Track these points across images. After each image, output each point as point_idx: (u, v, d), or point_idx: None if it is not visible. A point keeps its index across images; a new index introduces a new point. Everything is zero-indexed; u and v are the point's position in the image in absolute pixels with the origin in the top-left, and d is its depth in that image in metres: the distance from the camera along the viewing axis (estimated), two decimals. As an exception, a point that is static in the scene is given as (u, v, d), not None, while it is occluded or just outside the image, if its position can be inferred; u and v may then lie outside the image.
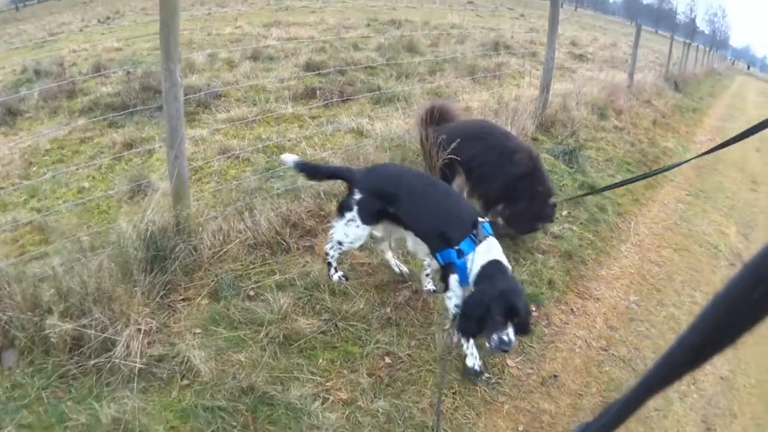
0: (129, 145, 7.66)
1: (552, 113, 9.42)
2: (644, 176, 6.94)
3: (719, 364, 4.78)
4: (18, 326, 3.42)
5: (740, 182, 11.00)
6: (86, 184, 6.76)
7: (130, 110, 8.77)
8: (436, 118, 5.87)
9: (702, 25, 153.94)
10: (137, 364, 3.37)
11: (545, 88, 9.19)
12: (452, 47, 18.21)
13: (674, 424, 3.96)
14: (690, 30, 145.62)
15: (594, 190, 6.26)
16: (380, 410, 3.32)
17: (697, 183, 9.83)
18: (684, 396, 4.28)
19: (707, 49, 58.71)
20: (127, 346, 3.42)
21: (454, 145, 5.36)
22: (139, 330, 3.55)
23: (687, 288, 5.90)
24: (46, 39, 25.68)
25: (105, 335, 3.41)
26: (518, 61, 17.04)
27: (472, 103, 9.77)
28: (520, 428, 3.52)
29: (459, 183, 5.59)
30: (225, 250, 4.50)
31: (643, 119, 12.56)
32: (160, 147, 7.42)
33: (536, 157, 5.53)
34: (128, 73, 11.16)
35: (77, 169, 7.11)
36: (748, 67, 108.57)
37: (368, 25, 23.59)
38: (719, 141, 11.55)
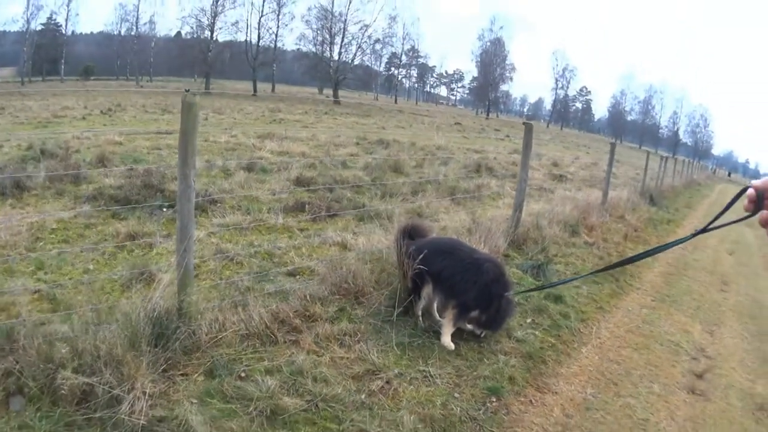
0: (132, 237, 8.33)
1: (524, 231, 10.14)
2: (634, 258, 7.58)
3: None
4: (29, 376, 3.96)
5: (709, 284, 11.53)
6: (91, 266, 7.35)
7: (133, 206, 9.57)
8: (410, 233, 6.58)
9: (685, 136, 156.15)
10: (141, 421, 3.89)
11: (518, 207, 9.96)
12: (436, 168, 19.16)
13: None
14: (673, 143, 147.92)
15: (579, 276, 6.87)
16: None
17: (663, 289, 10.36)
18: None
19: (689, 160, 60.11)
20: (132, 405, 3.96)
21: (421, 256, 6.07)
22: (144, 393, 4.11)
23: (645, 381, 6.42)
24: (50, 120, 27.06)
25: (112, 393, 3.96)
26: (498, 182, 17.95)
27: (450, 222, 10.45)
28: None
29: (427, 292, 6.29)
30: (221, 336, 5.12)
31: (615, 234, 13.22)
32: (160, 242, 8.20)
33: (501, 264, 6.38)
34: (131, 169, 12.00)
35: (82, 252, 7.74)
36: (729, 174, 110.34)
37: (357, 143, 24.78)
38: (690, 250, 12.33)
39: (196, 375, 4.71)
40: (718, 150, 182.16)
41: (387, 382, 5.16)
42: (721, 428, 5.83)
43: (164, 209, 9.97)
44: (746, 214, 1.88)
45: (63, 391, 3.96)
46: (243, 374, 4.83)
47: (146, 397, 4.13)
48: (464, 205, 13.55)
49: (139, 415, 3.96)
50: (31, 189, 10.92)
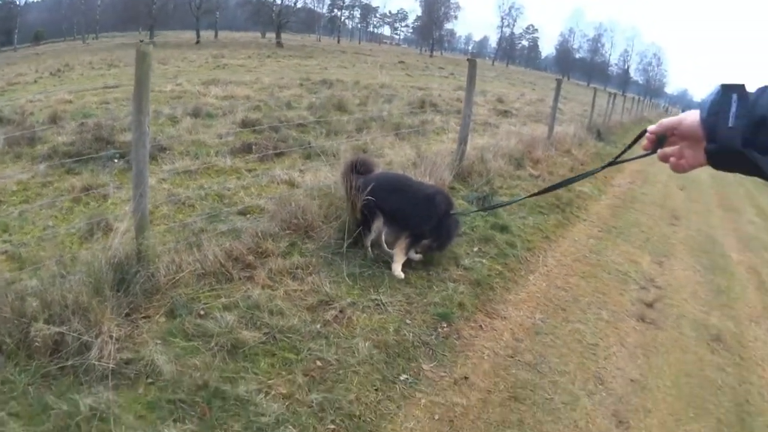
0: (86, 190, 8.37)
1: (469, 164, 10.27)
2: (575, 179, 7.69)
3: (627, 369, 5.50)
4: (5, 333, 4.04)
5: (658, 218, 11.85)
6: (50, 223, 7.40)
7: (86, 160, 9.62)
8: (357, 168, 6.63)
9: (636, 75, 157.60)
10: (110, 365, 3.99)
11: (462, 141, 10.06)
12: (380, 106, 19.31)
13: (583, 416, 4.64)
14: (623, 81, 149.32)
15: (528, 195, 6.99)
16: (314, 402, 4.02)
17: (611, 221, 10.62)
18: (591, 393, 4.97)
19: (639, 98, 60.71)
20: (101, 350, 4.06)
21: (369, 189, 6.16)
22: (111, 337, 4.21)
23: (593, 308, 6.62)
24: (5, 88, 27.09)
25: (82, 340, 4.05)
26: (443, 118, 18.11)
27: (395, 157, 10.52)
28: (436, 417, 4.23)
29: (377, 225, 6.39)
30: (178, 277, 5.20)
31: (561, 167, 13.45)
32: (114, 192, 8.27)
33: (447, 193, 6.54)
34: (81, 124, 12.01)
35: (41, 209, 7.80)
36: (667, 110, 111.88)
37: (301, 84, 24.85)
38: (639, 184, 12.57)
39: (157, 316, 4.80)
40: (672, 89, 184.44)
41: (340, 312, 5.29)
42: (673, 356, 6.03)
43: (116, 160, 10.03)
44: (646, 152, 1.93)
45: (37, 343, 4.04)
46: (202, 312, 4.92)
47: (113, 341, 4.24)
48: (409, 140, 13.63)
49: (108, 359, 4.07)
50: (-10, 155, 10.95)
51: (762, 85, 1.40)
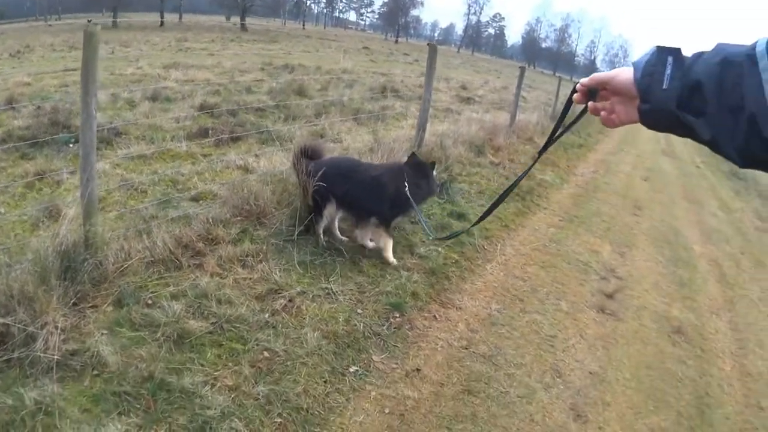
0: (40, 175, 8.21)
1: (427, 151, 10.17)
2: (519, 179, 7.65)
3: (586, 361, 5.49)
4: None
5: (621, 208, 11.86)
6: (2, 210, 7.24)
7: (40, 142, 9.42)
8: (308, 153, 6.55)
9: (603, 65, 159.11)
10: (55, 356, 3.92)
11: (421, 126, 10.00)
12: (341, 91, 19.39)
13: (539, 410, 4.60)
14: (589, 71, 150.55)
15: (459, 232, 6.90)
16: (260, 394, 3.95)
17: (572, 210, 10.63)
18: (548, 386, 4.94)
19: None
20: (46, 341, 3.99)
21: (320, 174, 6.07)
22: (56, 327, 4.13)
23: (551, 298, 6.60)
24: None
25: (27, 331, 3.97)
26: (404, 104, 18.13)
27: (353, 143, 10.49)
28: (386, 411, 4.16)
29: (330, 211, 6.31)
30: (127, 265, 5.11)
31: (522, 155, 13.43)
32: (67, 178, 8.10)
33: (402, 166, 6.44)
34: (38, 108, 11.80)
35: None
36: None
37: (263, 69, 24.95)
38: (601, 174, 12.60)
39: (105, 306, 4.71)
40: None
41: (290, 301, 5.22)
42: (634, 348, 6.03)
43: (71, 144, 9.87)
44: (568, 123, 2.09)
45: None
46: (150, 301, 4.85)
47: (59, 331, 4.17)
48: (368, 125, 13.60)
49: (53, 350, 4.01)
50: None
51: (697, 50, 1.42)
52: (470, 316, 5.78)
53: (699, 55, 1.38)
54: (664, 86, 1.38)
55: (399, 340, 5.05)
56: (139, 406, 3.72)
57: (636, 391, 5.26)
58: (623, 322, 6.55)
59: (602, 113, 1.66)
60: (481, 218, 2.82)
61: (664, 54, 1.41)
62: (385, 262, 6.27)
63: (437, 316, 5.64)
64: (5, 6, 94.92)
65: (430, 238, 6.84)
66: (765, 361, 6.64)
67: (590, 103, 1.67)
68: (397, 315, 5.37)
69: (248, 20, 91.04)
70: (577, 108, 1.78)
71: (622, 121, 1.63)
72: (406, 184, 6.12)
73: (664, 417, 4.98)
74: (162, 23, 76.46)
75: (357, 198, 6.22)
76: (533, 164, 2.34)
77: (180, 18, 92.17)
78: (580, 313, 6.48)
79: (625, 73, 1.52)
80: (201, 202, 7.40)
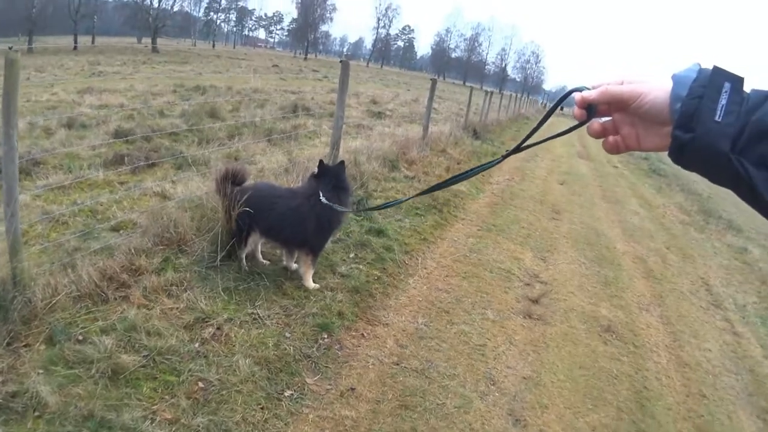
0: None
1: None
2: (450, 182, 7.72)
3: (518, 367, 5.63)
4: None
5: (539, 213, 12.17)
6: None
7: None
8: (231, 179, 6.51)
9: (514, 72, 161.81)
10: None
11: (335, 144, 10.06)
12: (252, 111, 19.47)
13: (478, 418, 4.71)
14: (500, 79, 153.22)
15: (395, 201, 6.93)
16: (200, 425, 3.96)
17: (490, 218, 10.83)
18: (484, 395, 5.05)
19: (517, 95, 62.39)
20: None
21: (244, 200, 6.09)
22: None
23: (477, 308, 6.72)
24: None
25: None
26: (315, 121, 18.31)
27: (267, 164, 10.49)
28: (326, 432, 4.23)
29: (254, 239, 6.34)
30: (55, 301, 5.03)
31: (437, 167, 13.59)
32: None
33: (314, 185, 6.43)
34: None
35: None
36: (561, 108, 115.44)
37: (175, 91, 24.85)
38: (517, 181, 12.85)
39: (37, 344, 4.66)
40: (550, 85, 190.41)
41: (218, 329, 5.23)
42: (565, 350, 6.22)
43: None
44: (560, 130, 1.72)
45: None
46: (80, 337, 4.80)
47: None
48: (281, 146, 13.58)
49: None
50: None
51: (762, 89, 1.18)
52: (398, 332, 5.85)
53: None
54: (717, 118, 1.14)
55: (330, 361, 5.09)
56: None
57: (572, 391, 5.42)
58: (551, 325, 6.72)
59: (610, 139, 1.41)
60: (419, 194, 2.28)
61: (720, 78, 1.16)
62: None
63: (365, 334, 5.70)
64: None
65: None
66: (702, 351, 6.97)
67: (594, 123, 1.39)
68: (326, 336, 5.41)
69: (159, 41, 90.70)
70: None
71: (631, 147, 1.40)
72: (322, 196, 6.09)
73: (604, 414, 5.16)
74: (75, 47, 75.38)
75: (282, 229, 6.24)
76: (503, 158, 1.93)
77: (93, 40, 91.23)
78: (508, 320, 6.61)
79: (656, 90, 1.25)
80: (121, 231, 7.33)
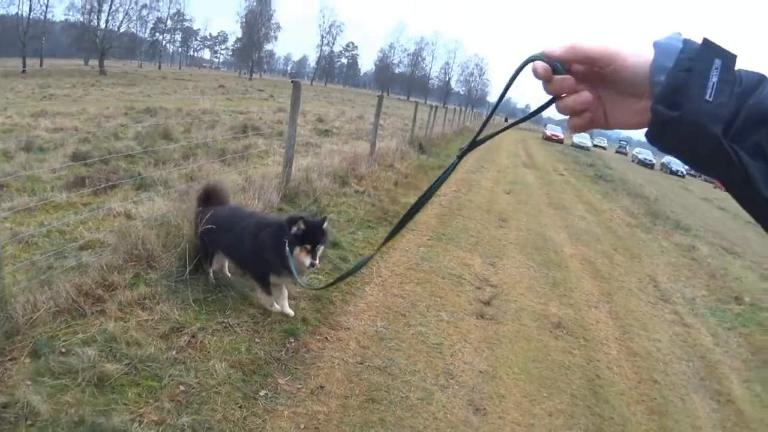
0: None
1: (295, 186, 10.57)
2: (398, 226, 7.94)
3: (475, 362, 6.00)
4: None
5: (486, 222, 12.56)
6: None
7: None
8: (208, 198, 6.82)
9: (457, 86, 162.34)
10: None
11: (288, 163, 10.36)
12: (204, 132, 19.62)
13: (440, 408, 5.07)
14: (444, 93, 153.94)
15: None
16: (185, 424, 4.26)
17: (439, 228, 11.18)
18: (444, 387, 5.42)
19: (461, 108, 62.87)
20: None
21: (207, 224, 6.37)
22: None
23: (432, 311, 7.09)
24: None
25: None
26: (266, 141, 18.51)
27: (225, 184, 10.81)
28: (301, 426, 4.54)
29: (219, 259, 6.65)
30: (35, 317, 5.24)
31: (385, 182, 14.01)
32: None
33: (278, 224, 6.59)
34: None
35: None
36: (506, 120, 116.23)
37: (126, 113, 24.75)
38: (464, 192, 13.24)
39: (22, 357, 4.85)
40: (494, 97, 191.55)
41: (192, 337, 5.52)
42: (518, 346, 6.60)
43: None
44: (505, 125, 1.63)
45: None
46: (63, 349, 5.00)
47: None
48: (234, 165, 13.74)
49: None
50: None
51: (759, 72, 1.09)
52: (359, 335, 6.19)
53: (764, 81, 1.07)
54: (708, 97, 1.03)
55: (298, 363, 5.41)
56: None
57: (527, 382, 5.80)
58: (503, 324, 7.09)
59: (574, 112, 1.22)
60: (383, 243, 2.22)
61: (710, 52, 1.05)
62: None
63: (328, 337, 6.03)
64: None
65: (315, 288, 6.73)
66: (652, 341, 7.41)
67: (566, 87, 1.18)
68: (292, 340, 5.74)
69: (106, 63, 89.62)
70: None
71: (600, 124, 1.25)
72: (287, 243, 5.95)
73: (559, 401, 5.54)
74: (24, 69, 74.40)
75: (239, 254, 6.49)
76: (459, 159, 1.70)
77: (41, 63, 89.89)
78: (461, 321, 6.98)
79: (635, 57, 1.12)
80: (90, 250, 7.52)
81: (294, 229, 5.73)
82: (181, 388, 4.75)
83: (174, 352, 5.22)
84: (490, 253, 10.04)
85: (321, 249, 5.83)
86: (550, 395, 5.63)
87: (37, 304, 5.40)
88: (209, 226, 6.39)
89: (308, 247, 5.70)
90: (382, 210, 11.08)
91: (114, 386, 4.62)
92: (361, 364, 5.63)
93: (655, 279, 10.46)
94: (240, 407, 4.66)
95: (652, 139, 1.12)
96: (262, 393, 4.86)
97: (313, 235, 5.73)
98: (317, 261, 5.75)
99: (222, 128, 21.10)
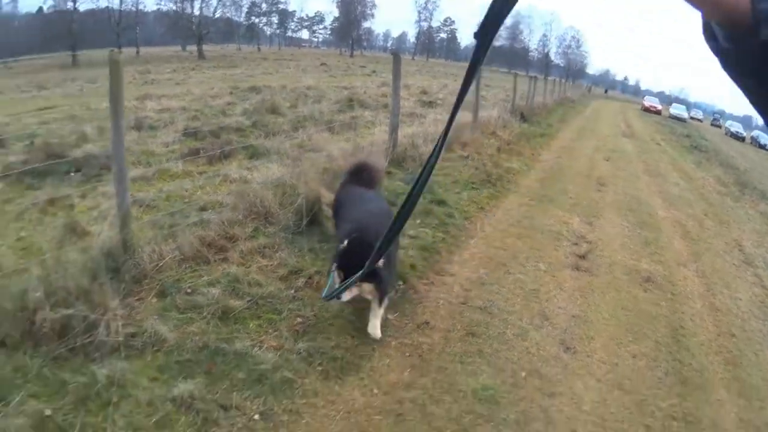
0: (51, 201, 8.71)
1: (402, 151, 10.98)
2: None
3: (568, 308, 6.39)
4: (9, 327, 4.52)
5: (585, 185, 12.84)
6: (23, 233, 7.70)
7: (41, 173, 9.90)
8: (357, 174, 6.61)
9: (557, 58, 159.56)
10: (118, 339, 4.59)
11: (394, 130, 10.82)
12: (310, 106, 19.79)
13: (533, 345, 5.49)
14: (544, 65, 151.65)
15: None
16: (302, 350, 4.78)
17: (540, 191, 11.52)
18: (538, 327, 5.83)
19: (561, 80, 62.23)
20: (108, 327, 4.62)
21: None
22: (116, 315, 4.79)
23: (531, 262, 7.48)
24: None
25: (89, 320, 4.57)
26: (371, 113, 18.78)
27: (334, 150, 11.20)
28: (407, 354, 5.03)
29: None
30: (161, 264, 5.81)
31: (488, 148, 14.18)
32: (79, 201, 8.67)
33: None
34: (30, 143, 12.28)
35: (9, 224, 8.04)
36: (606, 91, 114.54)
37: (231, 93, 25.19)
38: (565, 158, 13.51)
39: (149, 297, 5.40)
40: (593, 69, 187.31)
41: (309, 278, 6.03)
42: (609, 296, 6.94)
43: (72, 173, 10.30)
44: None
45: (44, 330, 4.52)
46: (189, 290, 5.54)
47: (118, 318, 4.82)
48: (342, 135, 14.16)
49: (115, 334, 4.65)
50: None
51: None
52: (463, 280, 6.62)
53: None
54: None
55: (406, 302, 5.90)
56: (200, 369, 4.44)
57: (616, 327, 6.14)
58: (597, 276, 7.43)
59: None
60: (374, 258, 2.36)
61: None
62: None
63: (434, 282, 6.49)
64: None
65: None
66: (733, 299, 7.61)
67: None
68: (401, 283, 6.20)
69: (204, 47, 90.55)
70: None
71: None
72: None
73: (643, 346, 5.85)
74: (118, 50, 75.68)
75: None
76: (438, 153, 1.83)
77: (138, 51, 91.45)
78: (558, 271, 7.36)
79: None
80: (210, 210, 7.93)
81: (339, 245, 5.03)
82: (299, 320, 5.28)
83: (292, 291, 5.75)
84: (587, 213, 10.31)
85: (358, 283, 4.71)
86: (635, 340, 5.93)
87: (163, 254, 5.97)
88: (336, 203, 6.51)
89: (341, 273, 4.87)
90: (486, 173, 11.42)
91: (236, 318, 5.19)
92: (464, 304, 6.07)
93: (740, 243, 10.57)
94: (352, 337, 5.16)
95: (726, 60, 1.10)
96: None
97: (348, 261, 4.81)
98: (344, 295, 4.73)
99: (328, 102, 21.48)
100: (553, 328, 5.90)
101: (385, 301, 5.20)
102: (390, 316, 5.59)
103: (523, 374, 5.03)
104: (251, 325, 5.15)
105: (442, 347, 5.24)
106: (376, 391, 4.60)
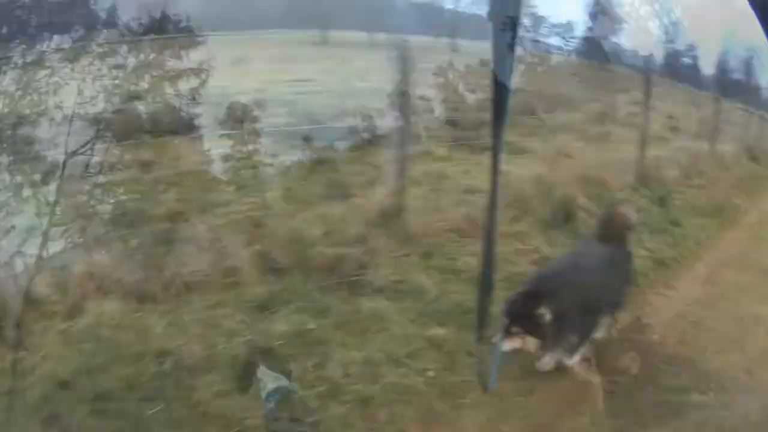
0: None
1: (647, 172, 11.46)
2: None
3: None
4: (280, 255, 5.30)
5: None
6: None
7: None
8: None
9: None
10: (383, 283, 5.26)
11: (642, 148, 11.52)
12: (561, 115, 18.76)
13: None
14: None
15: None
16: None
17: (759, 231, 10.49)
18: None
19: None
20: (376, 270, 5.34)
21: None
22: (386, 261, 5.52)
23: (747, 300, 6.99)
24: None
25: (360, 261, 5.32)
26: (620, 128, 18.76)
27: (589, 161, 10.89)
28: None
29: None
30: (428, 230, 6.53)
31: (722, 182, 13.08)
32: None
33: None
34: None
35: None
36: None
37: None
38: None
39: (415, 256, 6.05)
40: None
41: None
42: None
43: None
44: None
45: (314, 263, 5.31)
46: (451, 257, 6.13)
47: (386, 266, 5.54)
48: (593, 145, 13.04)
49: (381, 279, 5.37)
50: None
51: None
52: (684, 296, 6.90)
53: None
54: None
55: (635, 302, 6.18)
56: (453, 321, 4.94)
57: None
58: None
59: None
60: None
61: None
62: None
63: (661, 291, 6.89)
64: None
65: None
66: None
67: None
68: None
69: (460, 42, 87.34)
70: None
71: None
72: None
73: None
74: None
75: None
76: None
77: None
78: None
79: None
80: (473, 194, 7.70)
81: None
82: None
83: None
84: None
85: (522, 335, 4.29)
86: None
87: (430, 223, 6.66)
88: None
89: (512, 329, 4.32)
90: (715, 206, 11.18)
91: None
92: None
93: None
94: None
95: None
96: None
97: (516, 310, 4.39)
98: (504, 344, 4.26)
99: (579, 113, 21.17)
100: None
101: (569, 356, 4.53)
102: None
103: None
104: (502, 295, 5.14)
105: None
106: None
